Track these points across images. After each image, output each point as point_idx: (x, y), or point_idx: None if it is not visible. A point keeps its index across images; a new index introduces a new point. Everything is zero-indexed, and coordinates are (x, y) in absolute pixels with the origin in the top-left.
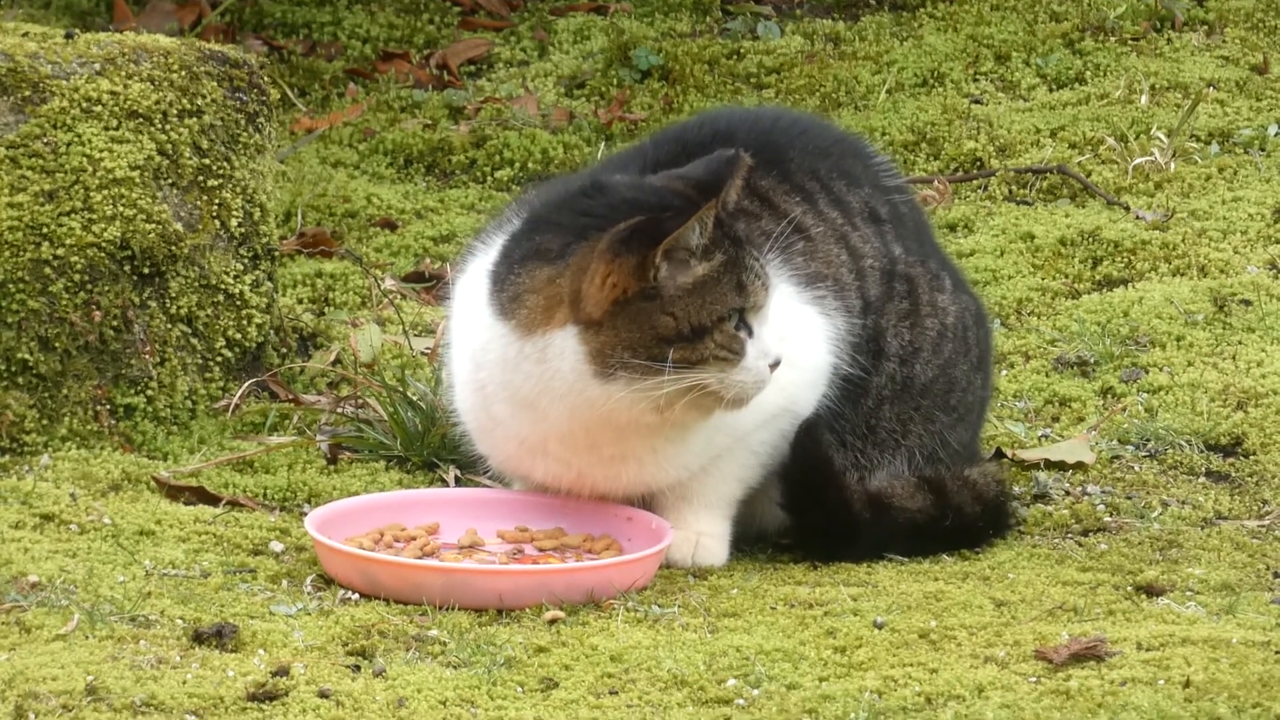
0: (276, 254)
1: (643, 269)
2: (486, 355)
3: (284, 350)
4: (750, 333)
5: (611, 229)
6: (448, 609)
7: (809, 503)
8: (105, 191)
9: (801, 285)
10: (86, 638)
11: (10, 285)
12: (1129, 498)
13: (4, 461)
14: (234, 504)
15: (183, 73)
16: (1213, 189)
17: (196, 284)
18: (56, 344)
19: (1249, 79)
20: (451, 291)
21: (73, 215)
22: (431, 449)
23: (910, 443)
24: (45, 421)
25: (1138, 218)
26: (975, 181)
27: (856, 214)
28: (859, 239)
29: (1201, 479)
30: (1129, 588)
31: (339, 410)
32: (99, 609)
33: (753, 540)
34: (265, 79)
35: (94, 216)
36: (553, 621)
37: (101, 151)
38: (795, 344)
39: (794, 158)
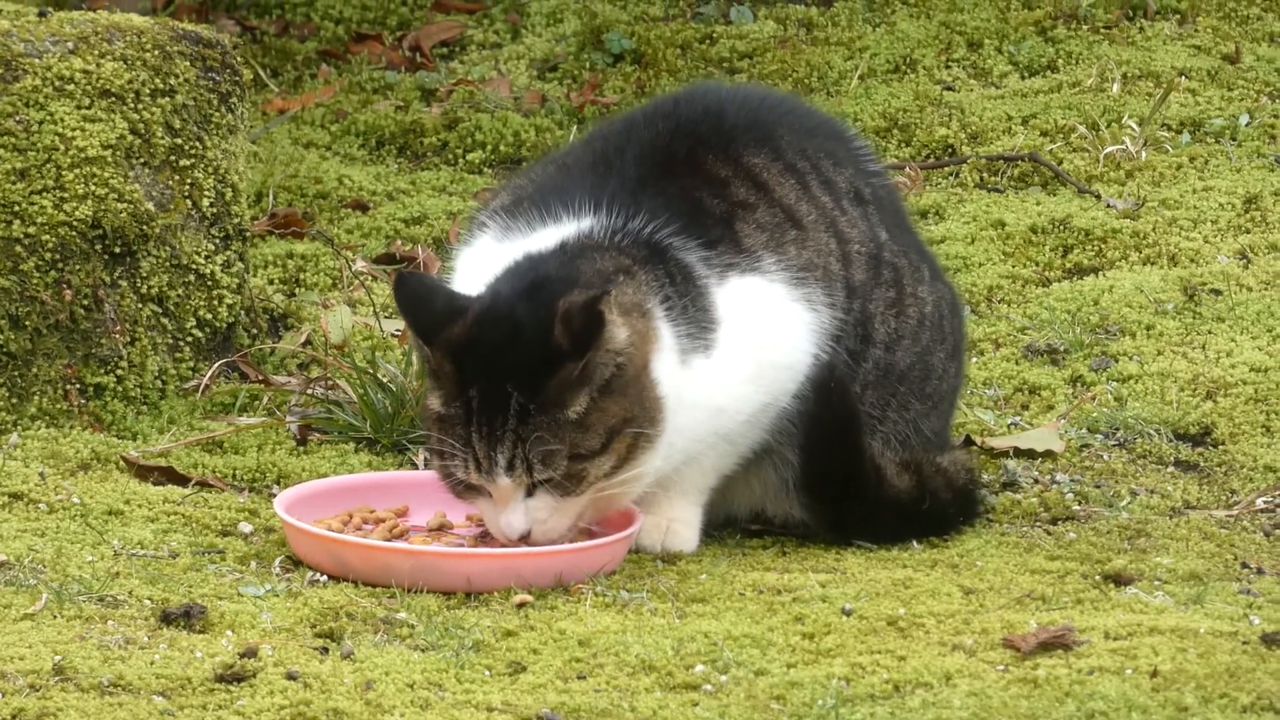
0: (248, 234)
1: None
2: None
3: (254, 331)
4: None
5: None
6: (416, 592)
7: (830, 450)
8: (77, 170)
9: (791, 280)
10: (54, 617)
11: None
12: (1098, 486)
13: None
14: (203, 484)
15: (156, 52)
16: (1184, 178)
17: (167, 264)
18: (27, 322)
19: (1221, 68)
20: (454, 262)
21: (44, 194)
22: (401, 431)
23: (886, 428)
24: (14, 400)
25: (1109, 206)
26: (947, 168)
27: (843, 195)
28: (847, 223)
29: (1170, 468)
30: (1097, 577)
31: (309, 392)
32: (67, 588)
33: (722, 525)
34: (238, 59)
35: (65, 195)
36: (521, 605)
37: (74, 130)
38: (780, 341)
39: (783, 135)
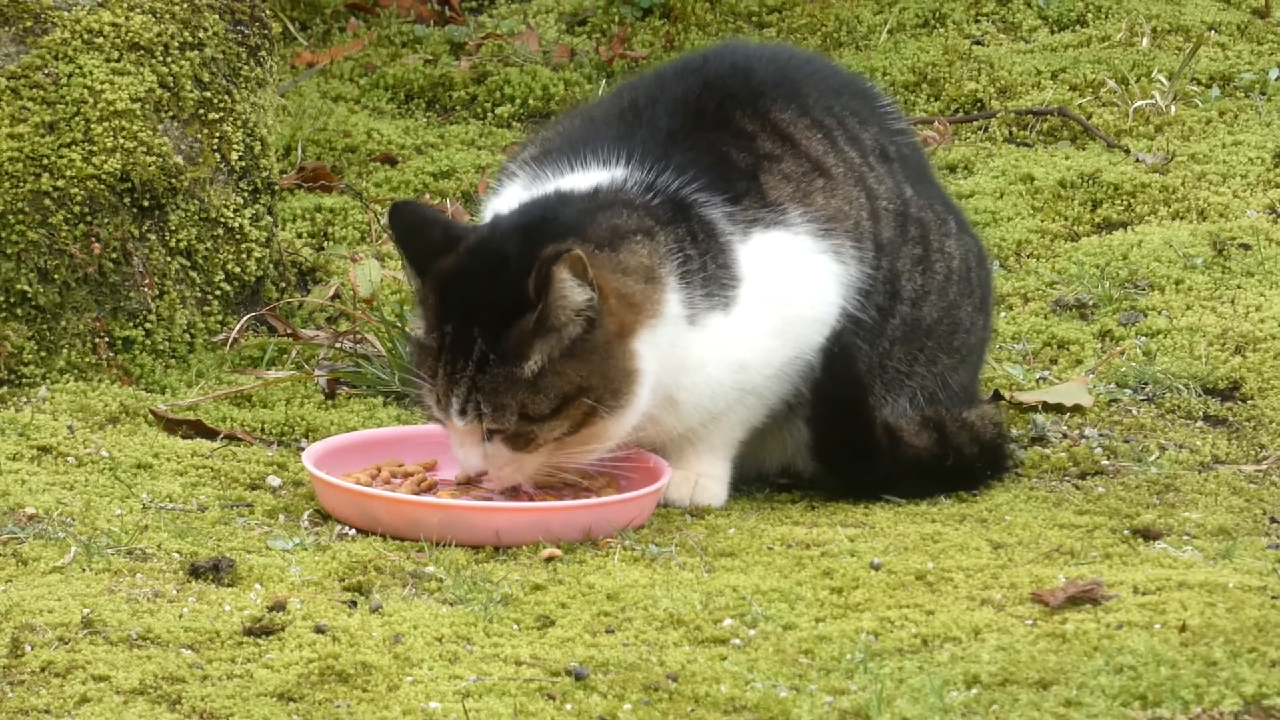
0: (276, 188)
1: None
2: None
3: (283, 285)
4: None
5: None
6: (445, 546)
7: (837, 420)
8: (106, 123)
9: (818, 231)
10: (83, 570)
11: (10, 216)
12: (1126, 441)
13: (2, 393)
14: (231, 438)
15: (184, 5)
16: (1213, 133)
17: (196, 217)
18: (55, 276)
19: (1250, 22)
20: (483, 211)
21: (73, 147)
22: None
23: (914, 383)
24: (43, 353)
25: (1138, 160)
26: (975, 123)
27: (870, 152)
28: (874, 180)
29: (1199, 423)
30: (1126, 531)
31: (337, 345)
32: (96, 542)
33: (750, 480)
34: (266, 12)
35: (94, 148)
36: (549, 559)
37: (103, 83)
38: (805, 295)
39: (810, 94)
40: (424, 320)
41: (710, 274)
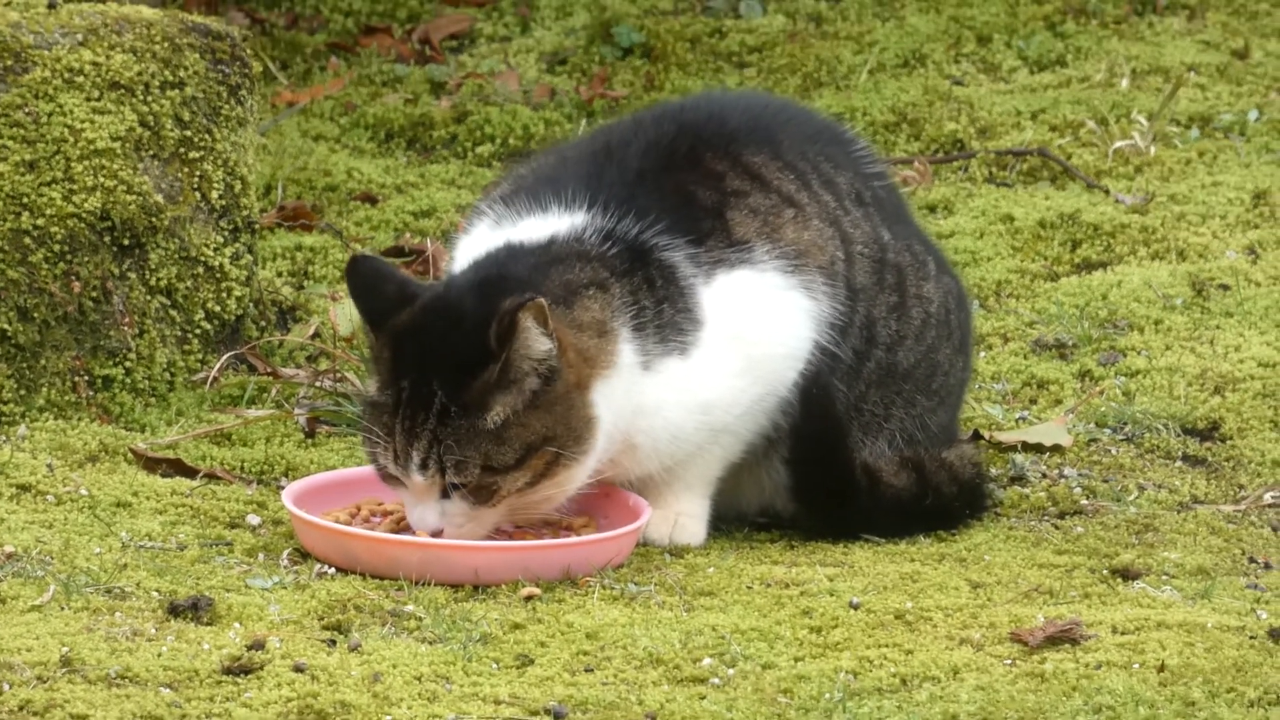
0: (256, 227)
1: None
2: None
3: (263, 323)
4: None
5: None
6: (424, 584)
7: (816, 460)
8: (86, 162)
9: (786, 267)
10: (62, 609)
11: None
12: (1106, 481)
13: None
14: (211, 476)
15: (165, 44)
16: (1192, 173)
17: (176, 256)
18: (35, 314)
19: (1230, 64)
20: (455, 250)
21: (53, 185)
22: None
23: (892, 425)
24: (23, 392)
25: (1117, 201)
26: (955, 163)
27: (845, 196)
28: (850, 224)
29: (1178, 463)
30: (1105, 571)
31: (317, 384)
32: (75, 580)
33: (730, 519)
34: (247, 51)
35: (75, 187)
36: (529, 598)
37: (83, 122)
38: (772, 333)
39: (784, 140)
40: (378, 377)
41: (666, 320)
